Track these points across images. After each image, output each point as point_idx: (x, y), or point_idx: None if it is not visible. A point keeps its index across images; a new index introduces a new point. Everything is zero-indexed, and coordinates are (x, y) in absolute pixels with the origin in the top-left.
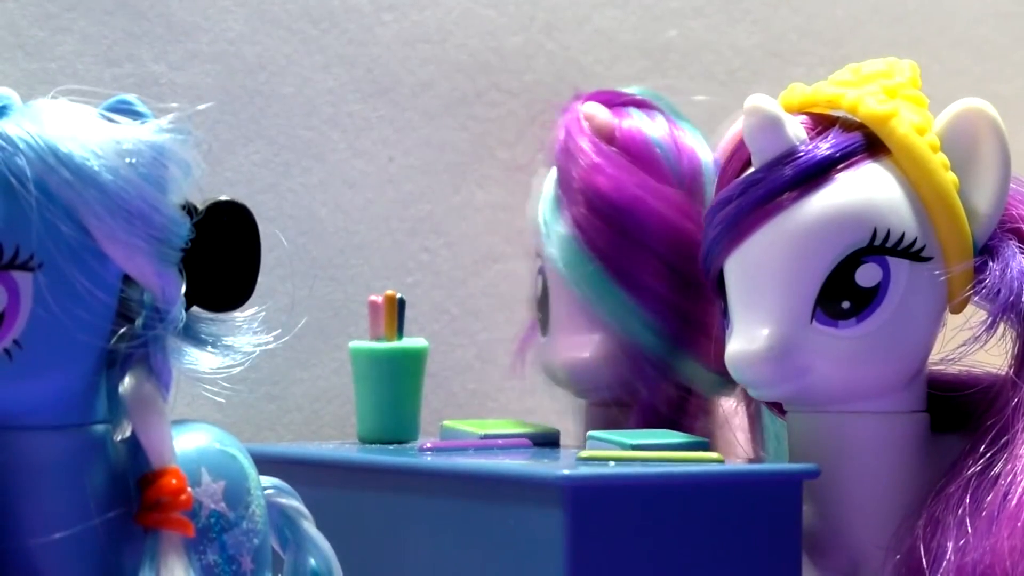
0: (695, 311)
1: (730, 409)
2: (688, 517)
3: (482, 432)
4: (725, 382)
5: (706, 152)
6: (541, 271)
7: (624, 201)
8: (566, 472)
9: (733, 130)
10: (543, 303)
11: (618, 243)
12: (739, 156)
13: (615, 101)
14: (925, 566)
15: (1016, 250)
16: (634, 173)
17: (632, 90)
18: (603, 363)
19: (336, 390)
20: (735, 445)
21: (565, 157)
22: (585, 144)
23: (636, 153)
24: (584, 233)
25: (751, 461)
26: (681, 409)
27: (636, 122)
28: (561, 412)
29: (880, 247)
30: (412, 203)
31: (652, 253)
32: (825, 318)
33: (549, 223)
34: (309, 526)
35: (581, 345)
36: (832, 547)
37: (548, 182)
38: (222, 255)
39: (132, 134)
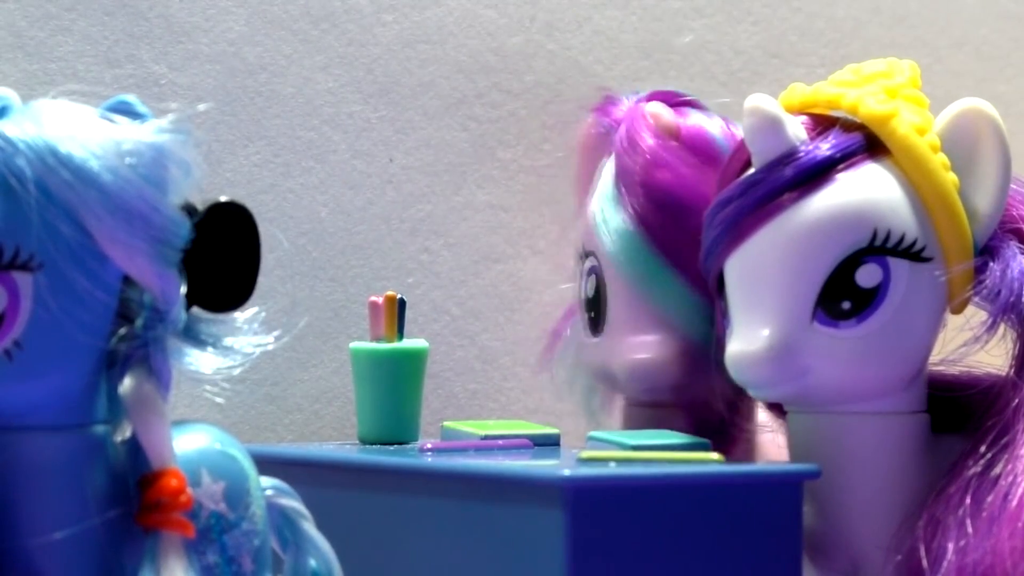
0: None
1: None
2: (688, 518)
3: (482, 433)
4: None
5: None
6: (593, 270)
7: (687, 196)
8: (566, 473)
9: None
10: (595, 303)
11: (680, 238)
12: (739, 156)
13: (673, 101)
14: (925, 567)
15: (1016, 250)
16: (698, 169)
17: (680, 91)
18: (665, 364)
19: (336, 391)
20: (783, 449)
21: (628, 152)
22: (649, 139)
23: (700, 150)
24: (646, 227)
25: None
26: (735, 410)
27: (697, 120)
28: (561, 412)
29: (880, 247)
30: (412, 204)
31: None
32: (825, 318)
33: (607, 219)
34: (309, 527)
35: (643, 346)
36: (833, 548)
37: (605, 178)
38: (222, 256)
39: (132, 134)
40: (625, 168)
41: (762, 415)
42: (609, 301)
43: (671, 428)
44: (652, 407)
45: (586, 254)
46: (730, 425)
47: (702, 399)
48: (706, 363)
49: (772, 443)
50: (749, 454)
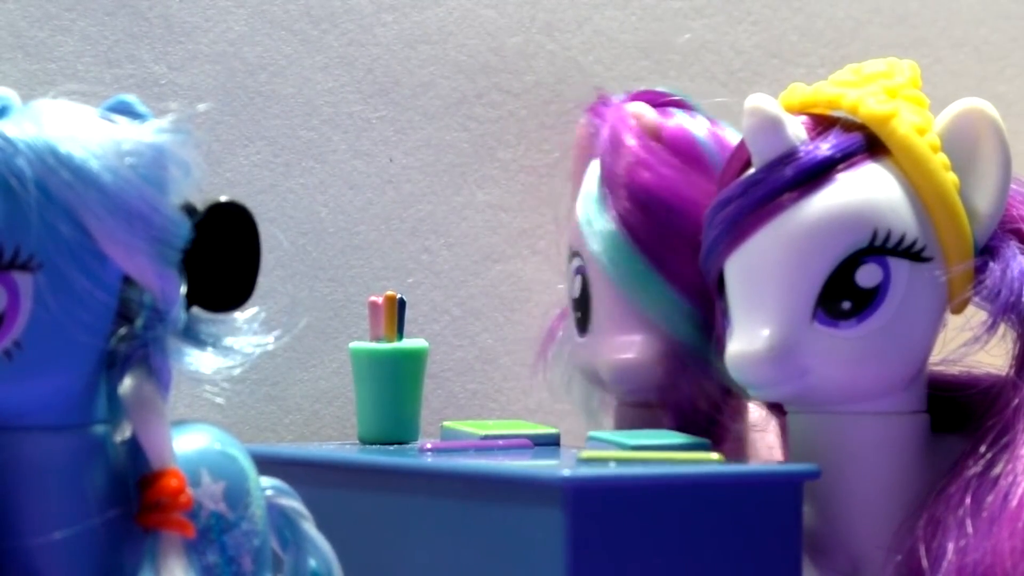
0: None
1: (764, 415)
2: (688, 518)
3: (482, 433)
4: None
5: None
6: (580, 270)
7: (670, 197)
8: (566, 473)
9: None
10: (582, 303)
11: (663, 239)
12: (739, 156)
13: (658, 101)
14: (926, 567)
15: (1017, 250)
16: (680, 170)
17: (666, 90)
18: (649, 364)
19: (336, 391)
20: (775, 449)
21: (611, 153)
22: (632, 140)
23: (683, 151)
24: (629, 228)
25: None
26: (719, 410)
27: (680, 121)
28: (562, 412)
29: (881, 247)
30: (412, 204)
31: (697, 250)
32: (826, 318)
33: (592, 220)
34: (309, 527)
35: (627, 346)
36: (833, 548)
37: (590, 179)
38: (222, 256)
39: (132, 134)
40: (609, 169)
41: (752, 414)
42: (594, 301)
43: (660, 428)
44: (642, 407)
45: (573, 254)
46: (717, 425)
47: (688, 399)
48: (691, 363)
49: (762, 442)
50: (738, 454)
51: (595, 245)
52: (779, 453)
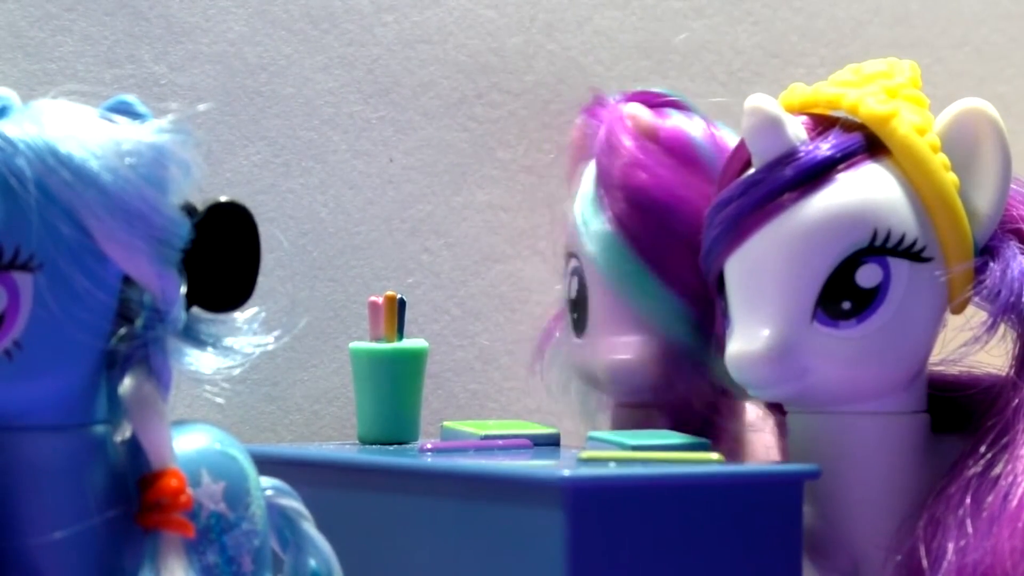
0: None
1: (761, 413)
2: (688, 518)
3: (482, 433)
4: None
5: None
6: (576, 271)
7: (665, 197)
8: (566, 473)
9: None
10: (578, 304)
11: (659, 240)
12: (739, 156)
13: (654, 102)
14: (926, 567)
15: (1017, 251)
16: (676, 171)
17: (662, 90)
18: (645, 365)
19: (336, 391)
20: (771, 449)
21: (607, 154)
22: (628, 141)
23: (679, 152)
24: (625, 230)
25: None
26: (715, 410)
27: (676, 121)
28: (561, 412)
29: (881, 248)
30: (412, 204)
31: (692, 250)
32: (826, 319)
33: (588, 221)
34: (309, 527)
35: (623, 347)
36: (833, 548)
37: (586, 180)
38: (222, 256)
39: (132, 135)
40: (604, 170)
41: (749, 414)
42: (590, 302)
43: (656, 428)
44: (638, 407)
45: (569, 255)
46: (712, 425)
47: (683, 399)
48: (686, 364)
49: (759, 443)
50: (734, 454)
51: (591, 246)
52: (776, 453)
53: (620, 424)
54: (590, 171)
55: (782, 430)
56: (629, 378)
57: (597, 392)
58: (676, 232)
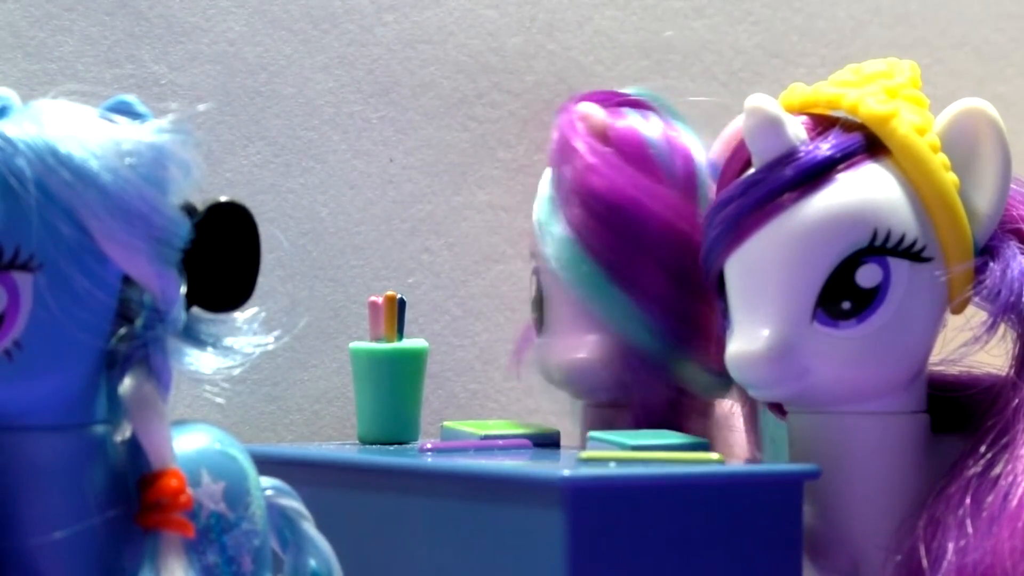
0: (691, 311)
1: (727, 411)
2: (688, 518)
3: (482, 433)
4: (721, 383)
5: (701, 152)
6: (536, 272)
7: (619, 201)
8: (566, 473)
9: (728, 132)
10: (539, 304)
11: (613, 243)
12: (739, 156)
13: (610, 101)
14: (926, 566)
15: (1017, 251)
16: (628, 173)
17: (629, 90)
18: (600, 364)
19: (336, 391)
20: (733, 447)
21: (560, 157)
22: (579, 144)
23: (630, 153)
24: (579, 233)
25: (751, 462)
26: (675, 410)
27: (630, 122)
28: (561, 412)
29: (880, 247)
30: (413, 204)
31: (647, 253)
32: (826, 318)
33: (545, 224)
34: (309, 527)
35: (578, 346)
36: (833, 547)
37: (544, 183)
38: (222, 256)
39: (132, 134)
40: (559, 174)
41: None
42: (548, 303)
43: (621, 427)
44: (606, 407)
45: (532, 255)
46: (673, 427)
47: (641, 400)
48: (643, 365)
49: (730, 440)
50: None
51: (548, 249)
52: (744, 451)
53: (590, 424)
54: (547, 174)
55: (751, 424)
56: (583, 378)
57: (560, 392)
58: (629, 235)
